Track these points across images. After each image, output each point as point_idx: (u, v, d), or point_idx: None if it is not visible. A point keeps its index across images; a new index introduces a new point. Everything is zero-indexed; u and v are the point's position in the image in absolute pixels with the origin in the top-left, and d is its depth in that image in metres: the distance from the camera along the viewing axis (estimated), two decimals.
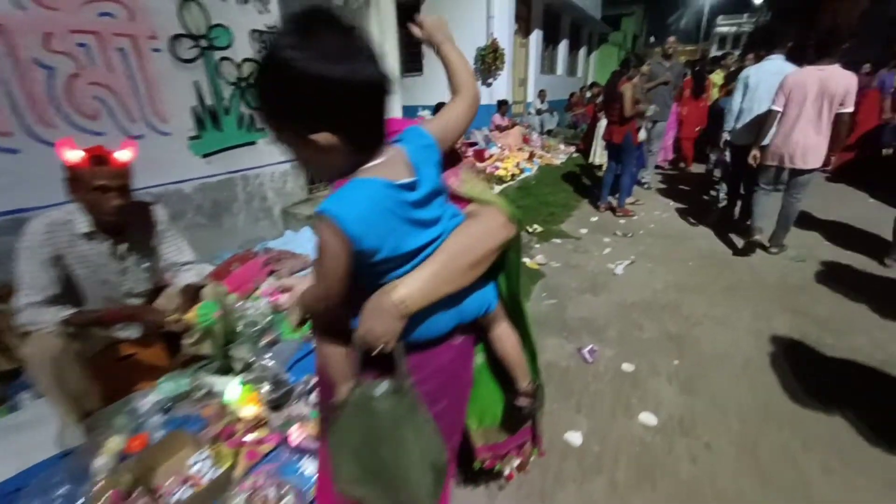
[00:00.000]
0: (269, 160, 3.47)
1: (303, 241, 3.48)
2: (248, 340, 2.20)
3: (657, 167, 6.18)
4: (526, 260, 3.48)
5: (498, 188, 5.14)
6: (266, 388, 1.77)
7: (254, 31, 3.18)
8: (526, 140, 7.70)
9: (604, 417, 1.84)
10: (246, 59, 3.15)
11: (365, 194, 0.64)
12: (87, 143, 2.36)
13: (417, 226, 0.70)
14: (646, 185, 5.61)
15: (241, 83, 3.15)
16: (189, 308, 1.75)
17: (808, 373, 2.07)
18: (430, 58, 8.28)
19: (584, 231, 4.23)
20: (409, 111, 7.21)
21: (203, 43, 2.87)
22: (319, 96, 0.60)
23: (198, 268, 1.84)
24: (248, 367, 1.96)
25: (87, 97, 2.35)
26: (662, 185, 5.82)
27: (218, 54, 2.97)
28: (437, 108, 6.16)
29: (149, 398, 1.77)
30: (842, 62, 3.02)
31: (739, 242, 3.72)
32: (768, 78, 3.53)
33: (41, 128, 2.23)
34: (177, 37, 2.71)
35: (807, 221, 3.98)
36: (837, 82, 2.94)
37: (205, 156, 3.01)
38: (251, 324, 2.25)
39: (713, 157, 5.21)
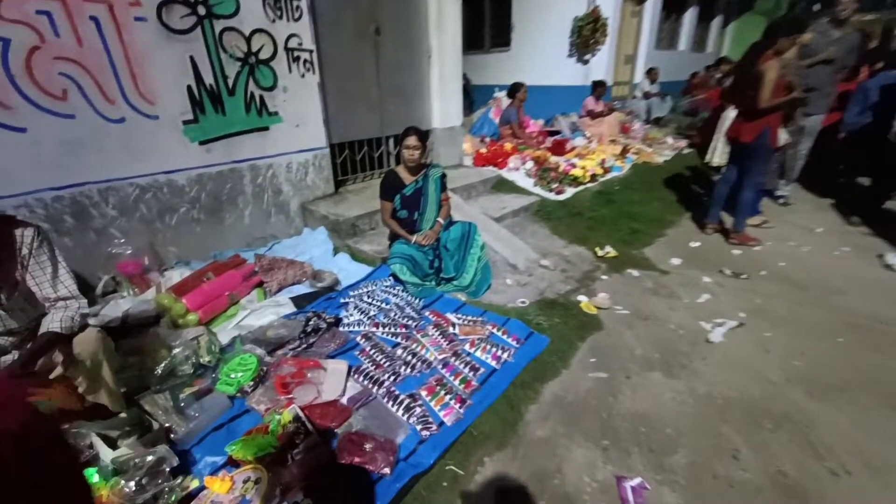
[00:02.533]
0: (284, 148, 3.03)
1: (312, 244, 3.01)
2: (176, 385, 1.77)
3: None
4: (582, 298, 2.60)
5: (570, 191, 4.17)
6: (131, 485, 1.28)
7: None
8: (625, 129, 6.40)
9: None
10: (257, 30, 2.68)
11: None
12: (53, 126, 2.09)
13: None
14: (781, 201, 4.14)
15: (249, 59, 2.70)
16: (63, 361, 1.33)
17: None
18: (519, 31, 7.26)
19: (675, 262, 3.13)
20: (484, 91, 6.35)
21: (201, 10, 2.44)
22: None
23: (75, 306, 1.40)
24: (143, 432, 1.50)
25: (51, 74, 2.05)
26: (807, 200, 4.27)
27: (220, 24, 2.53)
28: (512, 90, 5.27)
29: None
30: None
31: None
32: None
33: None
34: (166, 3, 2.31)
35: None
36: None
37: (203, 143, 2.64)
38: (182, 361, 1.80)
39: None
